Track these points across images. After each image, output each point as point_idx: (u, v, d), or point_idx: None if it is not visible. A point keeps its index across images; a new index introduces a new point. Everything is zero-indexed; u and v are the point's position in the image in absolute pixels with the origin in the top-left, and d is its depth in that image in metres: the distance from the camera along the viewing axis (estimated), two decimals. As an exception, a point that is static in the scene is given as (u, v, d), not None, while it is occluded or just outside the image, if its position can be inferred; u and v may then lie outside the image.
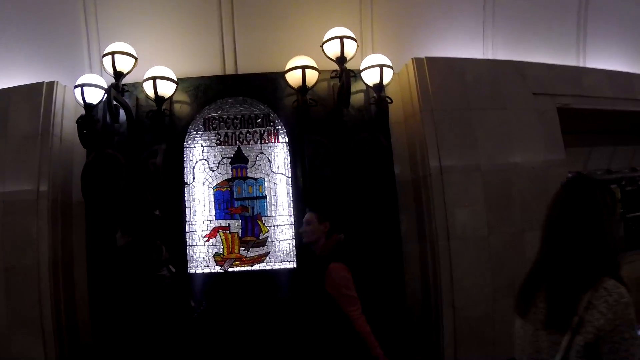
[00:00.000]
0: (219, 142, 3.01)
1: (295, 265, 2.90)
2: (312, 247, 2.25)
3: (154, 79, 2.82)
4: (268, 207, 2.95)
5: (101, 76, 2.94)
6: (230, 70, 3.12)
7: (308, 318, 2.92)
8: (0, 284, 2.86)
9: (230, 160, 2.98)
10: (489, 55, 3.36)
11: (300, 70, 2.83)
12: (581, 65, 3.70)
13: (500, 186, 3.02)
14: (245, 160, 2.97)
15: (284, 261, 2.92)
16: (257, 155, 2.98)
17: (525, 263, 2.90)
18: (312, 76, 2.87)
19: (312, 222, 2.19)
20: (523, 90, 3.20)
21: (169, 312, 1.92)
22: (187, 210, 2.95)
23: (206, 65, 3.09)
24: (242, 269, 2.90)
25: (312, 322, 2.92)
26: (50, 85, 2.99)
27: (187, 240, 2.93)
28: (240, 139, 3.00)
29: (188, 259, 2.92)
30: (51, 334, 2.79)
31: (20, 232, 2.87)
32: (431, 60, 3.06)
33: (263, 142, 3.01)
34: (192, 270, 2.91)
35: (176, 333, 1.99)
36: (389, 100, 2.92)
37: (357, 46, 2.91)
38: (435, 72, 3.04)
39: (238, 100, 3.03)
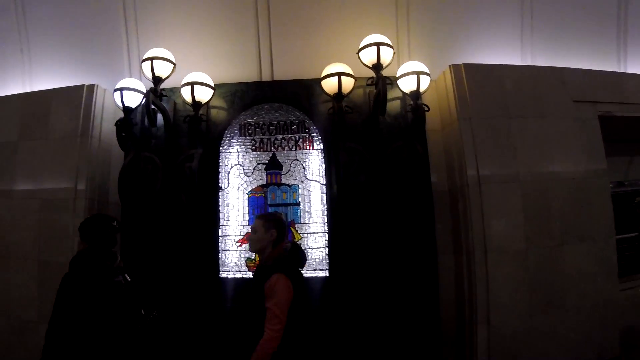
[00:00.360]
0: (254, 147, 3.01)
1: (327, 274, 2.87)
2: (260, 256, 2.07)
3: (192, 84, 2.84)
4: (302, 214, 2.93)
5: (140, 80, 2.99)
6: (266, 77, 3.13)
7: (340, 327, 2.90)
8: (34, 276, 2.94)
9: (265, 166, 2.98)
10: (528, 61, 3.26)
11: (336, 77, 2.81)
12: (622, 70, 3.56)
13: (539, 197, 2.92)
14: (280, 166, 2.96)
15: (316, 269, 2.88)
16: (291, 162, 2.97)
17: (564, 278, 2.87)
18: (348, 83, 2.85)
19: (258, 230, 2.01)
20: (563, 97, 3.10)
21: (121, 318, 1.95)
22: (221, 215, 2.96)
23: (243, 71, 3.11)
24: (273, 275, 2.88)
25: (344, 332, 2.91)
26: (91, 88, 3.06)
27: (219, 244, 2.94)
28: (276, 145, 3.00)
29: (220, 263, 2.92)
30: None
31: (56, 229, 2.94)
32: (469, 67, 2.99)
33: (298, 148, 2.99)
34: (223, 275, 2.91)
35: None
36: (426, 108, 2.86)
37: (394, 53, 2.87)
38: (473, 79, 2.97)
39: (274, 107, 3.03)
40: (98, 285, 1.91)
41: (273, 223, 2.02)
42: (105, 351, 1.84)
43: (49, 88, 3.15)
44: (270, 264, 1.94)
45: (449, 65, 2.99)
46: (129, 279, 2.10)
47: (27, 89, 3.28)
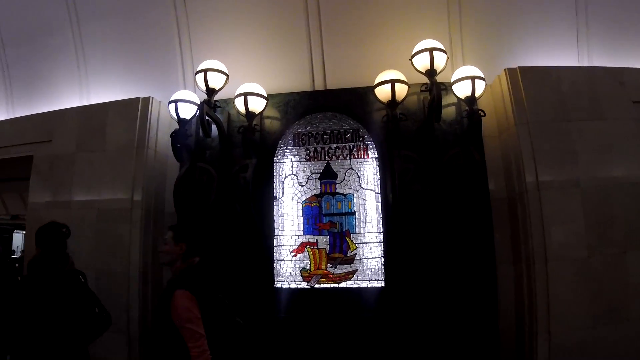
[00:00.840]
0: (308, 157, 3.01)
1: (383, 285, 2.83)
2: (171, 270, 1.97)
3: (245, 95, 2.86)
4: (357, 223, 2.90)
5: (194, 92, 3.03)
6: (319, 86, 3.13)
7: (397, 339, 2.86)
8: (92, 286, 2.95)
9: (319, 175, 2.97)
10: (585, 62, 3.15)
11: (389, 85, 2.78)
12: (683, 68, 3.41)
13: (601, 203, 2.79)
14: (334, 175, 2.95)
15: (371, 280, 2.85)
16: (346, 171, 2.95)
17: (627, 287, 2.76)
18: (401, 90, 2.82)
19: (168, 242, 1.92)
20: (622, 98, 2.96)
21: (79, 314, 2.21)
22: (276, 225, 2.97)
23: (295, 81, 3.11)
24: (328, 285, 2.87)
25: (401, 343, 2.87)
26: (146, 100, 3.12)
27: (274, 254, 2.94)
28: (330, 154, 2.99)
29: (275, 273, 2.93)
30: (136, 339, 2.89)
31: (113, 239, 3.01)
32: (525, 70, 2.91)
33: (352, 157, 2.97)
34: (278, 285, 2.91)
35: None
36: (482, 114, 2.80)
37: (447, 58, 2.82)
38: (530, 83, 2.88)
39: (327, 116, 3.03)
40: (52, 284, 2.13)
41: (184, 235, 1.96)
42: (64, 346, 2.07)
43: (105, 101, 3.23)
44: (174, 279, 1.87)
45: (504, 69, 2.92)
46: (84, 280, 2.36)
47: (84, 102, 3.38)
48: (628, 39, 3.27)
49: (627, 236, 2.77)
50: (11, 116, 3.60)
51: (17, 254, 10.20)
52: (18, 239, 10.56)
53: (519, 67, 2.92)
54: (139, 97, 3.10)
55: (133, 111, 3.09)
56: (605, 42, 3.22)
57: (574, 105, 2.90)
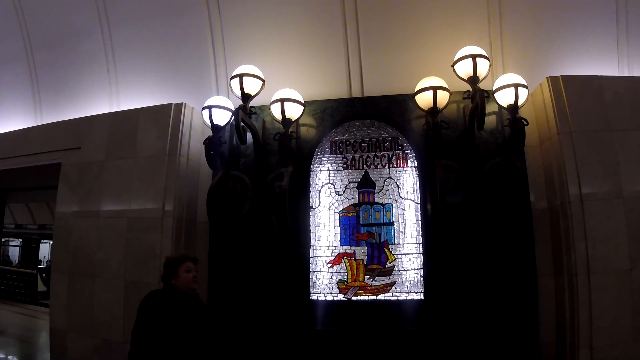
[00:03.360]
0: (345, 165, 2.94)
1: (422, 297, 2.76)
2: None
3: (282, 101, 2.80)
4: (396, 234, 2.82)
5: (228, 98, 2.96)
6: (356, 93, 3.07)
7: (436, 352, 2.79)
8: (120, 296, 2.94)
9: (357, 184, 2.90)
10: (625, 72, 3.10)
11: (430, 92, 2.72)
12: None
13: (644, 215, 2.77)
14: (372, 184, 2.88)
15: (410, 292, 2.77)
16: (384, 180, 2.88)
17: (669, 300, 2.69)
18: (443, 97, 2.75)
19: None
20: (664, 108, 2.93)
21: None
22: (312, 235, 2.89)
23: (332, 87, 3.06)
24: (366, 298, 2.79)
25: (441, 357, 2.80)
26: (178, 106, 3.05)
27: (310, 265, 2.87)
28: (368, 163, 2.92)
29: (310, 284, 2.85)
30: None
31: (143, 249, 2.94)
32: (567, 79, 2.85)
33: (391, 166, 2.90)
34: (314, 297, 2.83)
35: None
36: (525, 122, 2.74)
37: (490, 65, 2.77)
38: (572, 91, 2.82)
39: (365, 124, 2.96)
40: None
41: None
42: None
43: (136, 107, 3.17)
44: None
45: (547, 77, 2.86)
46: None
47: (114, 108, 3.32)
48: (668, 49, 3.22)
49: (671, 249, 2.72)
50: (39, 122, 3.55)
51: (44, 264, 10.17)
52: (45, 249, 10.54)
53: (562, 76, 2.87)
54: (172, 103, 3.04)
55: (165, 117, 3.02)
56: (646, 52, 3.17)
57: (616, 115, 2.84)
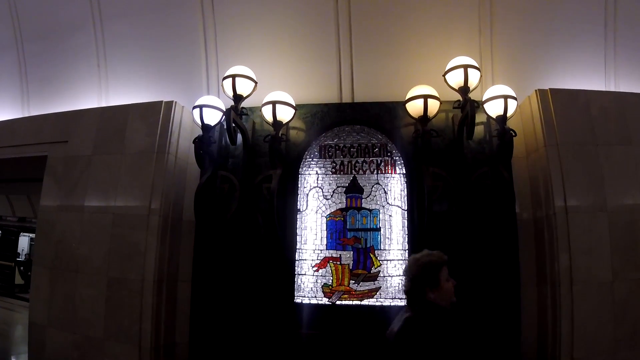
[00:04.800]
0: (334, 170, 2.94)
1: (406, 303, 2.76)
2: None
3: (274, 103, 2.80)
4: (382, 240, 2.83)
5: (218, 98, 2.95)
6: (347, 98, 3.08)
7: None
8: (102, 293, 2.90)
9: (345, 189, 2.91)
10: (612, 87, 3.16)
11: (421, 100, 2.74)
12: None
13: (627, 228, 2.77)
14: (360, 190, 2.89)
15: (395, 298, 2.78)
16: (372, 186, 2.89)
17: (651, 312, 2.73)
18: (433, 106, 2.78)
19: None
20: (649, 124, 2.99)
21: None
22: (298, 238, 2.89)
23: (323, 92, 3.06)
24: (350, 302, 2.79)
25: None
26: (169, 104, 3.03)
27: (295, 268, 2.86)
28: (356, 168, 2.93)
29: (295, 287, 2.84)
30: (148, 352, 2.76)
31: (128, 246, 2.90)
32: (555, 92, 2.88)
33: (379, 172, 2.92)
34: (298, 300, 2.83)
35: None
36: (513, 133, 2.78)
37: (480, 76, 2.80)
38: (559, 104, 2.86)
39: (355, 129, 2.97)
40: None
41: None
42: None
43: (126, 103, 3.13)
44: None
45: (536, 90, 2.90)
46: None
47: (103, 103, 3.28)
48: (654, 66, 3.29)
49: (652, 262, 2.77)
50: (26, 114, 3.49)
51: (22, 257, 9.99)
52: (24, 242, 10.37)
53: (550, 89, 2.90)
54: (162, 101, 3.01)
55: (155, 115, 2.99)
56: (632, 68, 3.23)
57: (602, 129, 2.89)
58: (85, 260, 2.98)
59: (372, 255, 2.82)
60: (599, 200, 2.77)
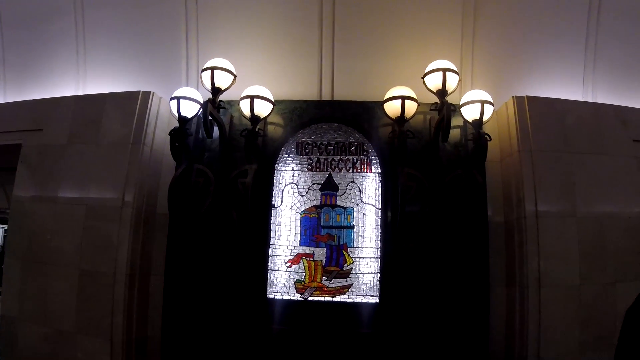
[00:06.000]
0: (310, 167, 2.95)
1: (378, 301, 2.79)
2: None
3: (252, 97, 2.79)
4: (355, 237, 2.85)
5: (197, 90, 2.93)
6: (326, 96, 3.08)
7: (389, 355, 2.83)
8: (74, 285, 2.86)
9: (320, 186, 2.91)
10: (589, 98, 3.22)
11: (399, 101, 2.76)
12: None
13: (595, 234, 2.85)
14: (335, 187, 2.90)
15: (366, 295, 2.80)
16: (347, 184, 2.91)
17: (616, 317, 2.81)
18: (411, 107, 2.80)
19: None
20: (623, 136, 3.05)
21: None
22: (272, 234, 2.89)
23: (303, 88, 3.06)
24: (322, 299, 2.81)
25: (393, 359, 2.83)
26: (146, 95, 3.00)
27: (268, 264, 2.87)
28: (332, 166, 2.93)
29: (268, 283, 2.85)
30: (120, 345, 2.75)
31: (100, 238, 2.87)
32: (532, 100, 2.95)
33: (355, 170, 2.93)
34: (270, 296, 2.83)
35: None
36: (488, 138, 2.81)
37: (459, 80, 2.83)
38: (535, 112, 2.93)
39: (333, 127, 2.98)
40: None
41: None
42: None
43: (103, 92, 3.08)
44: None
45: (513, 97, 2.95)
46: None
47: (80, 91, 3.23)
48: (632, 80, 3.37)
49: (618, 268, 2.82)
50: (1, 101, 3.40)
51: None
52: None
53: (527, 96, 2.97)
54: (139, 91, 2.98)
55: (132, 105, 2.95)
56: (610, 81, 3.31)
57: (576, 138, 2.96)
58: (58, 253, 2.93)
59: (345, 253, 2.84)
60: (569, 206, 2.84)
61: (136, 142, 2.92)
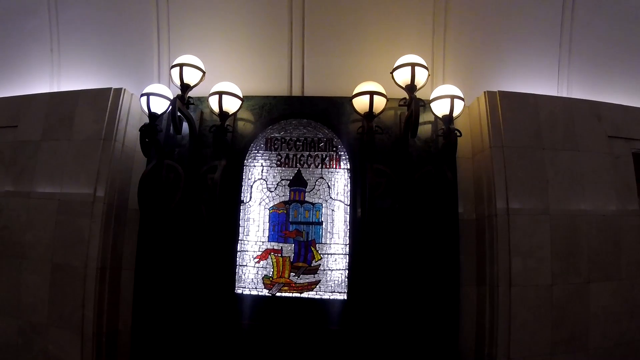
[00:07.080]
0: (279, 163, 2.95)
1: (346, 297, 2.79)
2: None
3: (220, 93, 2.79)
4: (323, 233, 2.85)
5: (168, 87, 2.94)
6: (296, 92, 3.07)
7: (358, 352, 2.82)
8: (46, 279, 2.88)
9: (289, 182, 2.91)
10: (564, 93, 3.18)
11: (367, 96, 2.74)
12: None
13: (568, 232, 2.81)
14: (304, 183, 2.89)
15: (334, 291, 2.80)
16: (316, 180, 2.90)
17: (588, 317, 2.77)
18: (379, 103, 2.78)
19: None
20: (597, 132, 3.01)
21: None
22: (241, 229, 2.89)
23: (272, 84, 3.05)
24: (290, 295, 2.81)
25: (362, 356, 2.82)
26: (118, 91, 3.01)
27: (237, 259, 2.87)
28: (301, 162, 2.93)
29: (236, 278, 2.85)
30: (90, 339, 2.76)
31: (72, 233, 2.88)
32: (504, 95, 2.91)
33: (324, 166, 2.92)
34: (239, 291, 2.84)
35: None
36: (458, 133, 2.79)
37: (428, 75, 2.81)
38: (508, 107, 2.89)
39: (302, 123, 2.97)
40: None
41: None
42: None
43: (75, 89, 3.10)
44: None
45: (484, 92, 2.91)
46: None
47: (54, 88, 3.25)
48: (607, 75, 3.32)
49: (591, 267, 2.79)
50: (-23, 98, 3.44)
51: None
52: None
53: (499, 91, 2.93)
54: (111, 88, 2.99)
55: (103, 101, 2.97)
56: (585, 76, 3.26)
57: (549, 133, 2.92)
58: (30, 246, 2.96)
59: (313, 249, 2.83)
60: (542, 204, 2.81)
61: (108, 138, 2.93)
